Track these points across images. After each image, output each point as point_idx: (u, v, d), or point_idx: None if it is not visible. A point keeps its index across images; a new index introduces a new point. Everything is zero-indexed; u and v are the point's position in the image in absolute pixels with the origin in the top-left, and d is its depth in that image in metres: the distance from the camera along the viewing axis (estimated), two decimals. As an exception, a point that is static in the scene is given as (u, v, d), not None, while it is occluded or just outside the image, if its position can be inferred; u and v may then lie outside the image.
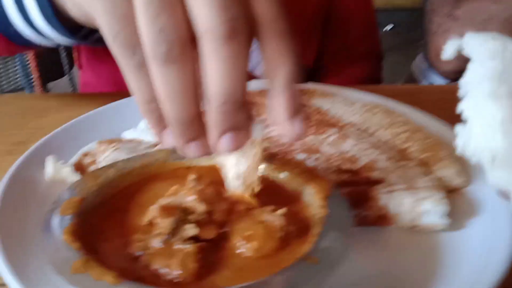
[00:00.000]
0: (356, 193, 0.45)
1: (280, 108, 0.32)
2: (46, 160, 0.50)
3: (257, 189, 0.39)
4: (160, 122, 0.32)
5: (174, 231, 0.34)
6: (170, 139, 0.33)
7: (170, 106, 0.30)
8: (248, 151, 0.37)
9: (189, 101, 0.30)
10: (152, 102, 0.31)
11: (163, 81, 0.29)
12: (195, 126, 0.31)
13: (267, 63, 0.32)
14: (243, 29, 0.29)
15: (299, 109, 0.33)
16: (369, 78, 1.02)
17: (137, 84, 0.31)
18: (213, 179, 0.42)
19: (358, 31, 1.00)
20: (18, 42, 0.62)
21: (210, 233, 0.35)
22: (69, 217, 0.36)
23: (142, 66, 0.30)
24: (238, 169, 0.38)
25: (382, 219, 0.43)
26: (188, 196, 0.37)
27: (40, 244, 0.37)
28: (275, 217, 0.37)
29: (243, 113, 0.31)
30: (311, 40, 0.98)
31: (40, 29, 0.57)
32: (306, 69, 1.01)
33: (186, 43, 0.29)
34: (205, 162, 0.47)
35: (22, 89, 1.81)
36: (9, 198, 0.45)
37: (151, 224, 0.37)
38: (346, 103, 0.66)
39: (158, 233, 0.35)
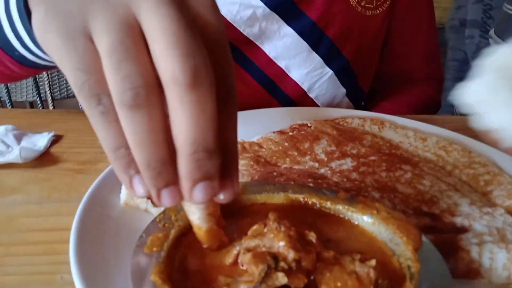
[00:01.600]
0: (442, 242, 0.42)
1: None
2: (122, 186, 0.50)
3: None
4: (128, 170, 0.31)
5: (263, 279, 0.33)
6: (141, 188, 0.31)
7: (139, 151, 0.29)
8: None
9: (159, 145, 0.29)
10: (120, 148, 0.30)
11: (131, 127, 0.28)
12: (167, 172, 0.30)
13: None
14: (207, 76, 0.28)
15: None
16: (430, 104, 0.99)
17: (104, 132, 0.30)
18: (290, 219, 0.40)
19: (419, 54, 0.98)
20: (27, 65, 0.64)
21: (299, 282, 0.34)
22: (156, 255, 0.36)
23: (108, 114, 0.29)
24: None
25: (472, 273, 0.40)
26: (276, 241, 0.35)
27: (121, 278, 0.37)
28: (366, 268, 0.35)
29: (215, 160, 0.30)
30: (370, 64, 0.96)
31: (37, 54, 0.59)
32: (362, 94, 0.99)
33: (153, 88, 0.28)
34: (281, 199, 0.46)
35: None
36: (86, 223, 0.46)
37: (234, 264, 0.37)
38: (417, 138, 0.63)
39: (247, 280, 0.33)
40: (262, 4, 0.81)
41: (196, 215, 0.36)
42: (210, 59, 0.29)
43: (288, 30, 0.84)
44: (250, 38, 0.84)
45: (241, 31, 0.83)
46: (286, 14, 0.83)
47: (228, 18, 0.82)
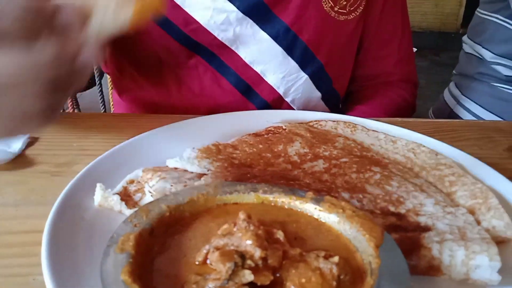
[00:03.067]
0: (406, 240, 0.44)
1: None
2: (96, 188, 0.51)
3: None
4: None
5: (231, 276, 0.34)
6: None
7: None
8: None
9: None
10: None
11: None
12: None
13: None
14: None
15: None
16: (405, 106, 1.01)
17: None
18: (260, 218, 0.42)
19: (393, 57, 1.00)
20: None
21: (265, 279, 0.35)
22: (126, 255, 0.36)
23: None
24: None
25: (433, 270, 0.42)
26: (244, 240, 0.37)
27: (93, 278, 0.38)
28: (330, 264, 0.36)
29: None
30: (345, 68, 0.98)
31: None
32: (338, 97, 1.01)
33: None
34: (252, 199, 0.47)
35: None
36: (59, 224, 0.46)
37: (204, 263, 0.38)
38: (388, 140, 0.65)
39: (215, 278, 0.35)
40: (235, 8, 0.83)
41: None
42: None
43: (262, 34, 0.85)
44: (225, 42, 0.86)
45: (215, 35, 0.84)
46: (260, 18, 0.85)
47: (202, 23, 0.83)
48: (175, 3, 0.83)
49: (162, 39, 0.86)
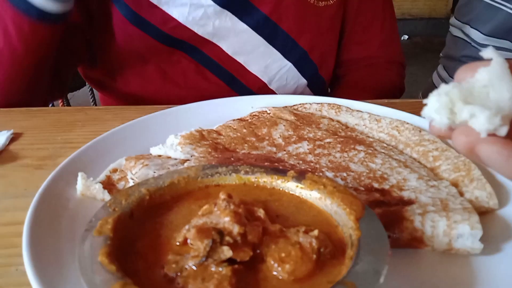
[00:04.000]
0: (389, 214, 0.44)
1: None
2: (78, 177, 0.51)
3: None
4: None
5: (209, 253, 0.34)
6: None
7: None
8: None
9: None
10: None
11: None
12: None
13: None
14: None
15: None
16: (392, 87, 1.01)
17: None
18: (242, 198, 0.42)
19: (377, 40, 1.00)
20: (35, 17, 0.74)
21: (245, 255, 0.35)
22: (104, 238, 0.36)
23: None
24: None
25: (416, 241, 0.42)
26: (222, 217, 0.37)
27: (75, 265, 0.38)
28: (309, 238, 0.36)
29: None
30: (329, 54, 0.98)
31: None
32: (324, 83, 1.00)
33: None
34: (234, 180, 0.47)
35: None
36: (41, 214, 0.46)
37: (184, 243, 0.38)
38: (372, 120, 0.65)
39: (194, 255, 0.34)
40: (212, 2, 0.82)
41: None
42: None
43: (242, 26, 0.85)
44: (205, 37, 0.85)
45: (195, 31, 0.84)
46: (238, 10, 0.84)
47: (180, 21, 0.83)
48: (151, 2, 0.83)
49: (141, 40, 0.86)
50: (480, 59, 0.32)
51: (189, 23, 0.83)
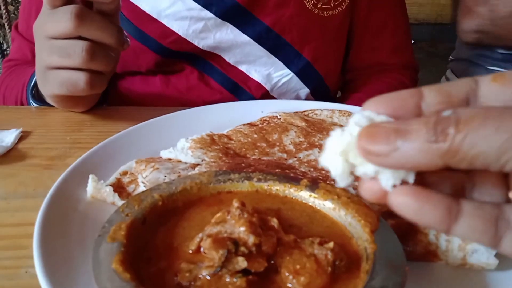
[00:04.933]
0: (402, 226, 0.44)
1: None
2: (89, 179, 0.50)
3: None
4: None
5: (224, 263, 0.34)
6: None
7: None
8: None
9: None
10: None
11: None
12: None
13: None
14: None
15: None
16: (403, 89, 1.00)
17: None
18: (255, 206, 0.41)
19: (388, 47, 0.99)
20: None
21: (259, 266, 0.34)
22: (118, 244, 0.36)
23: None
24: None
25: (430, 255, 0.42)
26: (237, 227, 0.36)
27: (85, 268, 0.37)
28: (324, 250, 0.36)
29: None
30: (335, 63, 0.96)
31: None
32: (328, 92, 0.99)
33: None
34: (246, 187, 0.47)
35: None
36: (51, 216, 0.46)
37: (197, 251, 0.37)
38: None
39: (208, 265, 0.34)
40: (212, 15, 0.81)
41: None
42: None
43: (244, 37, 0.84)
44: (206, 50, 0.85)
45: (196, 44, 0.83)
46: (239, 21, 0.83)
47: (180, 34, 0.82)
48: (151, 16, 0.82)
49: (143, 53, 0.85)
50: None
51: (189, 36, 0.83)
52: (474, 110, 0.26)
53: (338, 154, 0.30)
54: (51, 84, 0.68)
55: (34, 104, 0.81)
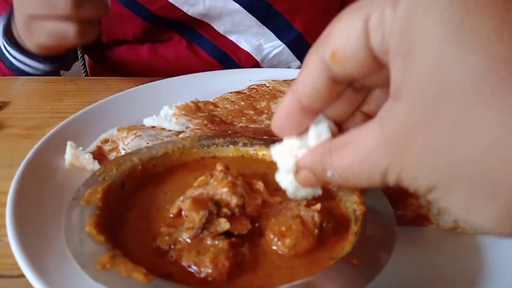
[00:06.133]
0: (394, 190, 0.42)
1: None
2: (67, 146, 0.48)
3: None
4: None
5: (205, 225, 0.32)
6: None
7: None
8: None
9: None
10: None
11: None
12: None
13: None
14: None
15: None
16: None
17: None
18: (240, 170, 0.39)
19: None
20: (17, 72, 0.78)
21: (243, 228, 0.33)
22: (93, 208, 0.34)
23: None
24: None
25: (420, 219, 0.40)
26: (219, 188, 0.34)
27: (61, 237, 0.35)
28: (311, 212, 0.34)
29: None
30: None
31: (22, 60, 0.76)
32: None
33: None
34: (231, 152, 0.45)
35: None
36: (27, 184, 0.43)
37: (178, 215, 0.35)
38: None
39: (188, 227, 0.32)
40: None
41: None
42: None
43: (234, 5, 0.81)
44: (196, 17, 0.82)
45: (185, 11, 0.80)
46: None
47: (170, 0, 0.79)
48: None
49: (131, 19, 0.82)
50: None
51: (178, 2, 0.80)
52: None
53: (289, 171, 0.32)
54: (37, 36, 0.65)
55: (10, 51, 0.76)
